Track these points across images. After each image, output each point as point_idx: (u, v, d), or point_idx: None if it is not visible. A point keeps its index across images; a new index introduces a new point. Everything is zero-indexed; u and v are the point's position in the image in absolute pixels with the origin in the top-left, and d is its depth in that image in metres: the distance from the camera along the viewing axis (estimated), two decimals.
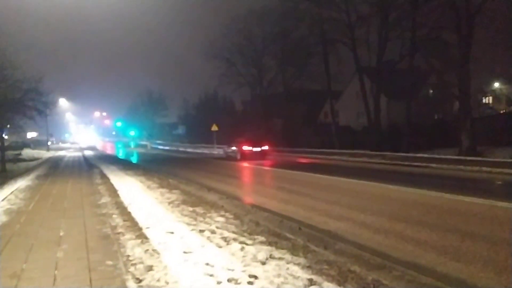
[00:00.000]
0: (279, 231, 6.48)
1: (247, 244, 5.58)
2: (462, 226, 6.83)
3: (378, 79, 28.67)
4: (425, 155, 20.76)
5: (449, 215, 7.77)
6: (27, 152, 38.83)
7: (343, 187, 12.26)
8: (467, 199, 9.08)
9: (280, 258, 4.96)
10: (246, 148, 25.08)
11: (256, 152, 24.89)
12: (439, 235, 6.37)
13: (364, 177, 13.83)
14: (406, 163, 18.58)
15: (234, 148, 26.51)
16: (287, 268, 4.59)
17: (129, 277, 4.44)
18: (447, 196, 9.55)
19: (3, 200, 10.25)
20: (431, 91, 34.20)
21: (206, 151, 40.84)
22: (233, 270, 4.54)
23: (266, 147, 25.67)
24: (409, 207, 8.72)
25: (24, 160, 30.70)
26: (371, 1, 27.33)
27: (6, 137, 26.92)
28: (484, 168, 15.09)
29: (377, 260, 5.10)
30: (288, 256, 5.04)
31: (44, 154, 40.15)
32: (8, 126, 23.52)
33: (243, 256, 5.06)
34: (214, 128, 39.35)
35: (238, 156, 25.29)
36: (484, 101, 32.15)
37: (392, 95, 32.84)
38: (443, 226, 6.87)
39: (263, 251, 5.23)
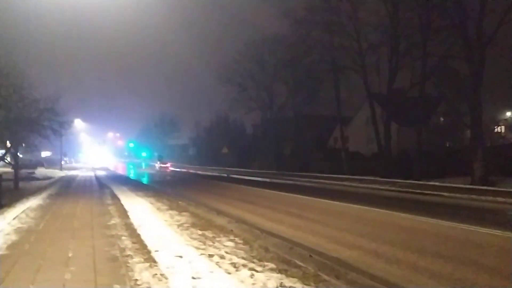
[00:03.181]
0: (289, 258, 6.38)
1: (256, 271, 5.49)
2: (477, 258, 6.65)
3: (389, 106, 28.69)
4: (437, 184, 20.44)
5: (464, 246, 7.59)
6: (40, 171, 39.22)
7: (351, 213, 12.08)
8: (482, 230, 8.87)
9: (290, 287, 4.86)
10: (160, 165, 55.11)
11: (163, 167, 52.70)
12: (454, 267, 6.20)
13: (374, 204, 13.64)
14: (418, 191, 18.31)
15: (156, 165, 57.13)
16: None
17: None
18: (461, 227, 9.35)
19: (14, 218, 10.31)
20: (442, 119, 34.01)
21: (209, 172, 40.81)
22: None
23: (168, 164, 54.60)
24: (422, 237, 8.54)
25: (37, 178, 30.97)
26: (382, 30, 27.69)
27: (20, 155, 27.29)
28: (498, 199, 14.77)
29: None
30: (299, 285, 4.94)
31: (57, 173, 40.50)
32: (23, 144, 23.88)
33: (253, 284, 4.97)
34: (225, 150, 39.59)
35: (157, 168, 53.89)
36: (496, 130, 31.78)
37: (402, 122, 32.69)
38: (458, 258, 6.69)
39: (273, 279, 5.13)
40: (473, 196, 15.78)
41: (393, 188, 20.14)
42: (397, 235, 8.68)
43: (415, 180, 22.89)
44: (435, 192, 17.39)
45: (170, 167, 52.80)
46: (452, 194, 16.64)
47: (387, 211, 12.05)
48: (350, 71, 31.34)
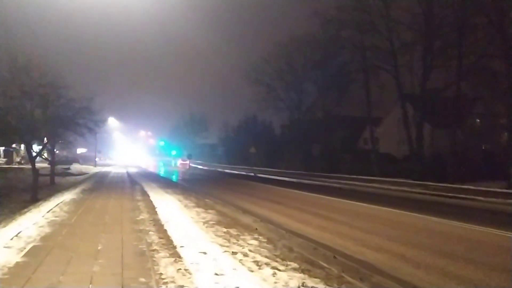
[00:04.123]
0: (313, 259, 6.32)
1: (279, 270, 5.47)
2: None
3: (422, 107, 27.84)
4: (472, 187, 19.66)
5: (497, 252, 7.26)
6: (75, 167, 40.71)
7: (380, 215, 11.81)
8: None
9: (312, 287, 4.80)
10: (180, 161, 59.13)
11: (183, 163, 57.25)
12: (486, 273, 5.94)
13: (405, 207, 13.28)
14: (451, 194, 17.67)
15: (178, 162, 60.85)
16: None
17: None
18: (496, 232, 8.96)
19: (48, 212, 10.75)
20: (478, 120, 32.72)
21: (236, 171, 41.02)
22: None
23: (188, 161, 57.36)
24: (454, 241, 8.24)
25: (72, 174, 32.22)
26: (415, 28, 26.90)
27: (57, 152, 28.40)
28: None
29: None
30: (321, 286, 4.88)
31: (92, 169, 41.97)
32: (60, 141, 24.83)
33: (275, 283, 4.95)
34: (252, 150, 39.77)
35: (179, 165, 58.56)
36: None
37: (436, 124, 31.64)
38: (490, 264, 6.41)
39: (295, 279, 5.10)
40: (510, 201, 15.08)
41: (425, 191, 19.55)
42: (427, 239, 8.42)
43: (449, 184, 22.13)
44: (470, 196, 16.74)
45: (189, 163, 57.24)
46: (487, 199, 15.96)
47: (417, 215, 11.71)
48: (382, 70, 30.65)
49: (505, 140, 25.50)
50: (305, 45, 41.59)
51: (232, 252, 6.44)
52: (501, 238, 8.45)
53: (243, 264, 5.73)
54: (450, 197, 17.22)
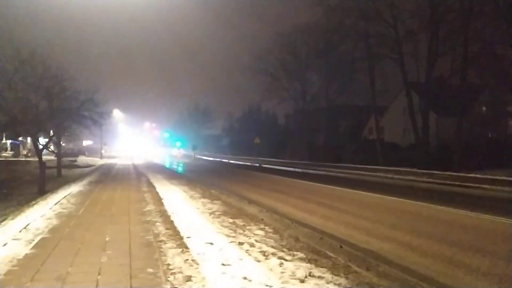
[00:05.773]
0: (319, 248, 6.33)
1: (286, 260, 5.49)
2: None
3: (427, 95, 27.59)
4: (478, 176, 19.55)
5: (504, 240, 7.24)
6: (81, 159, 41.03)
7: (385, 204, 11.80)
8: None
9: (319, 277, 4.82)
10: (175, 151, 65.57)
11: (178, 152, 63.30)
12: (493, 262, 5.93)
13: (410, 196, 13.25)
14: (457, 183, 17.60)
15: (172, 152, 68.76)
16: None
17: (168, 286, 4.49)
18: (502, 220, 8.92)
19: (56, 204, 10.84)
20: (484, 108, 32.40)
21: (241, 162, 41.08)
22: (271, 286, 4.47)
23: (180, 150, 64.35)
24: (460, 230, 8.22)
25: (78, 166, 32.45)
26: (420, 15, 26.53)
27: (63, 144, 28.56)
28: None
29: (424, 286, 4.83)
30: (328, 275, 4.89)
31: (98, 161, 42.24)
32: (66, 134, 24.97)
33: (282, 272, 4.97)
34: (257, 141, 39.75)
35: (174, 154, 66.01)
36: None
37: (442, 112, 31.39)
38: (497, 253, 6.40)
39: (302, 268, 5.12)
40: None
41: (430, 180, 19.48)
42: (433, 228, 8.41)
43: (455, 172, 22.01)
44: (476, 185, 16.66)
45: (181, 152, 65.81)
46: (494, 187, 15.88)
47: (423, 203, 11.68)
48: (386, 59, 30.33)
49: (511, 128, 25.30)
50: (309, 34, 41.28)
51: (239, 242, 6.47)
52: (508, 227, 8.43)
53: (249, 254, 5.76)
54: (456, 185, 17.16)
